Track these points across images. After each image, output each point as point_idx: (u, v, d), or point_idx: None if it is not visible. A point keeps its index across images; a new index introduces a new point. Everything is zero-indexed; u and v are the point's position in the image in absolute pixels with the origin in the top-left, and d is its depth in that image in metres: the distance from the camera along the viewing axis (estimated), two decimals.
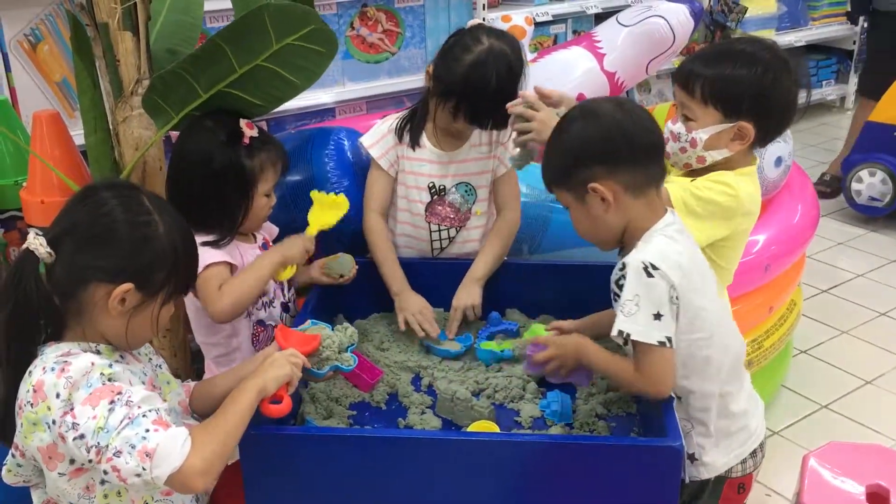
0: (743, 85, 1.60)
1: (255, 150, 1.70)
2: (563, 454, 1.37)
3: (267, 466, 1.39)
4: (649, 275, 1.38)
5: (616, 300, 1.45)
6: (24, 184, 2.08)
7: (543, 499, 1.39)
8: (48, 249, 1.22)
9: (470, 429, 1.55)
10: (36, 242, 1.22)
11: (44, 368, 1.19)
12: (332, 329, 1.51)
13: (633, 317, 1.39)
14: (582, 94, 3.08)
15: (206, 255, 1.65)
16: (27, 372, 1.22)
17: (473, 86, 1.79)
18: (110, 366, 1.21)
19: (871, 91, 4.13)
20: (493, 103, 1.81)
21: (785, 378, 2.80)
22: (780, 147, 2.77)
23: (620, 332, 1.40)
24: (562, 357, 1.54)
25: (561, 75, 3.06)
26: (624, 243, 1.49)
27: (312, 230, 1.82)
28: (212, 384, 1.49)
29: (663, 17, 3.13)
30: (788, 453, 2.41)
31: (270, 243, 1.88)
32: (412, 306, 1.89)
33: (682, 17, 3.14)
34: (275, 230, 1.90)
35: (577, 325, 1.72)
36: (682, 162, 1.70)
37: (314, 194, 1.88)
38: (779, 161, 2.77)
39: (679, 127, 1.67)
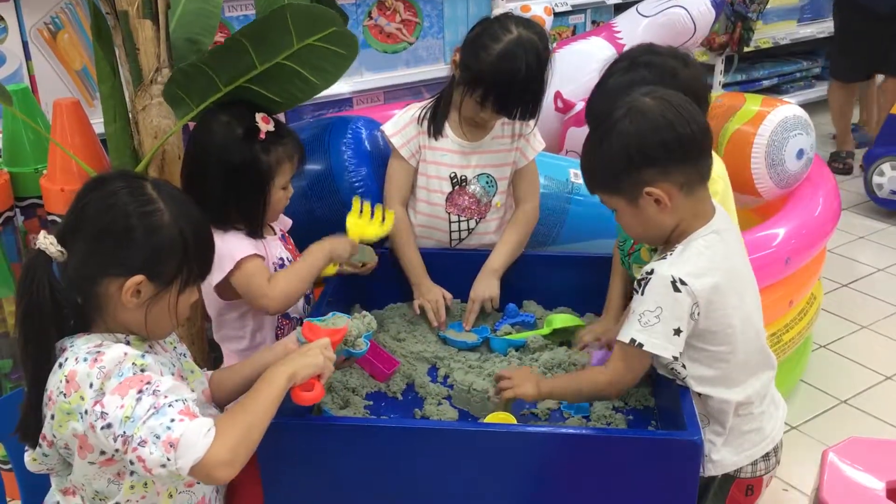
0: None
1: (272, 145, 1.67)
2: (580, 447, 1.36)
3: (283, 455, 1.39)
4: (676, 289, 1.36)
5: (633, 295, 1.43)
6: (44, 171, 2.09)
7: (559, 491, 1.38)
8: (59, 248, 1.21)
9: (486, 420, 1.54)
10: (46, 242, 1.21)
11: (76, 359, 1.19)
12: (350, 318, 1.51)
13: (650, 328, 1.37)
14: None
15: (237, 251, 1.65)
16: (57, 364, 1.22)
17: (503, 75, 1.78)
18: (142, 356, 1.21)
19: (841, 74, 4.27)
20: (522, 93, 1.81)
21: (804, 373, 2.78)
22: (801, 139, 2.74)
23: (633, 341, 1.38)
24: (518, 377, 1.55)
25: (580, 66, 3.04)
26: (669, 241, 1.46)
27: (353, 237, 1.81)
28: (231, 372, 1.49)
29: (684, 8, 3.10)
30: (807, 448, 2.39)
31: (287, 234, 1.88)
32: (429, 294, 1.90)
33: (703, 8, 3.11)
34: (288, 222, 1.90)
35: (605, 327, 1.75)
36: None
37: (357, 201, 1.85)
38: (800, 153, 2.74)
39: None
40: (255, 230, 1.72)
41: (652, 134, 1.37)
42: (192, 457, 1.12)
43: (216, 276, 1.66)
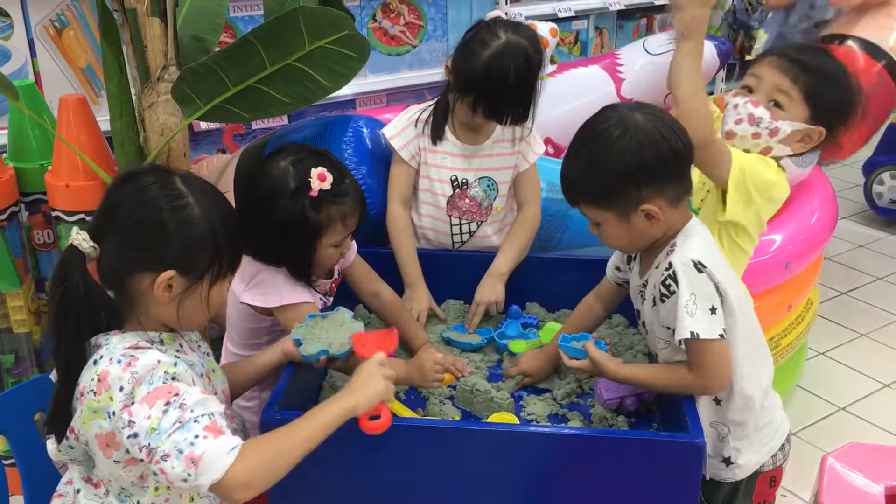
0: (842, 95, 1.57)
1: (324, 203, 1.55)
2: (583, 448, 1.36)
3: None
4: (700, 271, 1.37)
5: (664, 301, 1.42)
6: (49, 167, 2.10)
7: (561, 492, 1.38)
8: (91, 244, 1.22)
9: (489, 420, 1.55)
10: (79, 238, 1.22)
11: (111, 359, 1.20)
12: (354, 313, 1.51)
13: (696, 316, 1.36)
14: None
15: (294, 293, 1.61)
16: (92, 360, 1.22)
17: (492, 80, 1.78)
18: (175, 364, 1.21)
19: None
20: (512, 98, 1.81)
21: (800, 378, 2.79)
22: None
23: (693, 334, 1.35)
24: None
25: (576, 94, 2.98)
26: (651, 247, 1.47)
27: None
28: (238, 370, 1.50)
29: None
30: (805, 454, 2.40)
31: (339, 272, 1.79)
32: (413, 303, 1.89)
33: (707, 55, 3.02)
34: (353, 252, 1.79)
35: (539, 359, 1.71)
36: (745, 146, 1.62)
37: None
38: None
39: (762, 112, 1.59)
40: (301, 280, 1.63)
41: (651, 151, 1.36)
42: (212, 476, 1.12)
43: (255, 299, 1.62)
